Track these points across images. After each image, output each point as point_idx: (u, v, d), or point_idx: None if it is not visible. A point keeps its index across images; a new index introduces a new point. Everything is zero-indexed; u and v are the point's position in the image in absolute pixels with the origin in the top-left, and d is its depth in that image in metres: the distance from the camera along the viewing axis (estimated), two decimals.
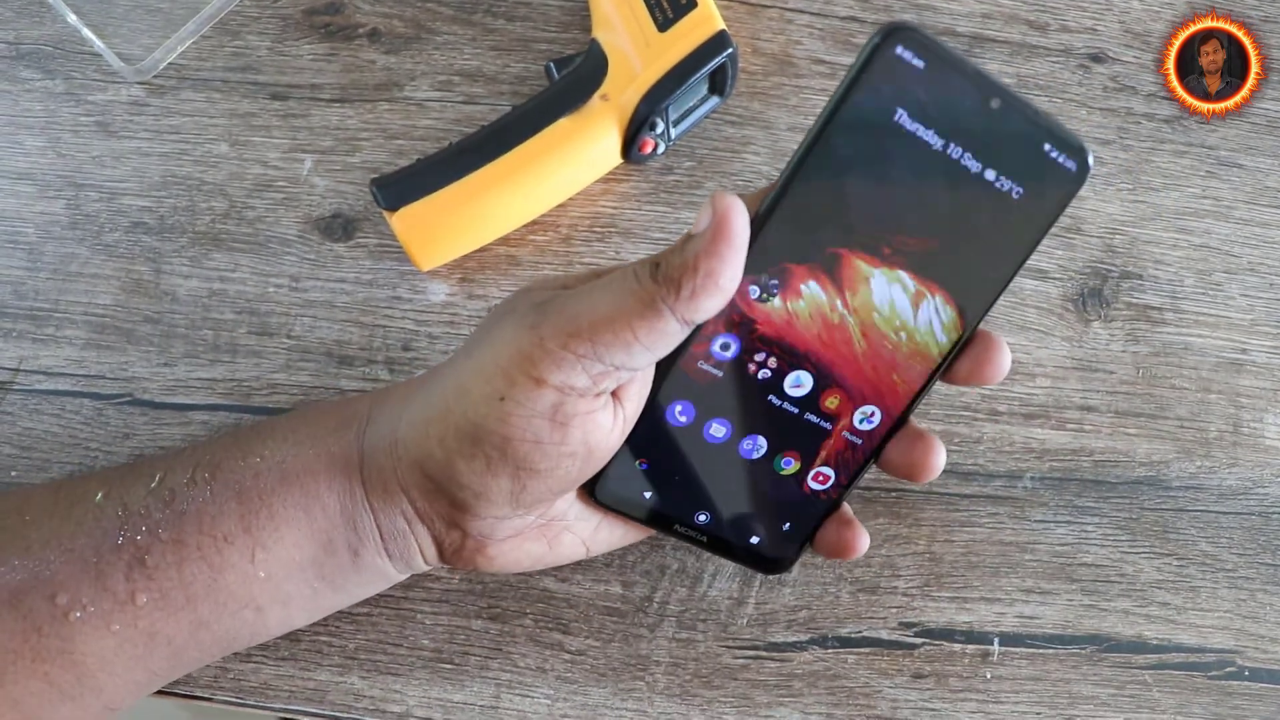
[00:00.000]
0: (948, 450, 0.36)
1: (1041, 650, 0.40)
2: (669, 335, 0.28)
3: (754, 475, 0.35)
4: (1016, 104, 0.29)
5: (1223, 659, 0.41)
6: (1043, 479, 0.42)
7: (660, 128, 0.42)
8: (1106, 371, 0.43)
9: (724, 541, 0.36)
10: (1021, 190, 0.30)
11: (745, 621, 0.40)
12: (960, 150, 0.29)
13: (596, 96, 0.41)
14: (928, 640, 0.40)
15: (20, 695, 0.32)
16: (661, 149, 0.43)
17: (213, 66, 0.45)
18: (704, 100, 0.44)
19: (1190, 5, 0.47)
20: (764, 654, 0.40)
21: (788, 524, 0.36)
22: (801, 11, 0.46)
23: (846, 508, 0.36)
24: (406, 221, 0.40)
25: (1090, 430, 0.42)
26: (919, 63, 0.28)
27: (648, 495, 0.35)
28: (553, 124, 0.41)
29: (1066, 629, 0.41)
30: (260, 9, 0.45)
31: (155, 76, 0.44)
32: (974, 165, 0.29)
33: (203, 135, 0.44)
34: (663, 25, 0.41)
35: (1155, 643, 0.41)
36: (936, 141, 0.29)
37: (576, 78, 0.42)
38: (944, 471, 0.35)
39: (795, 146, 0.44)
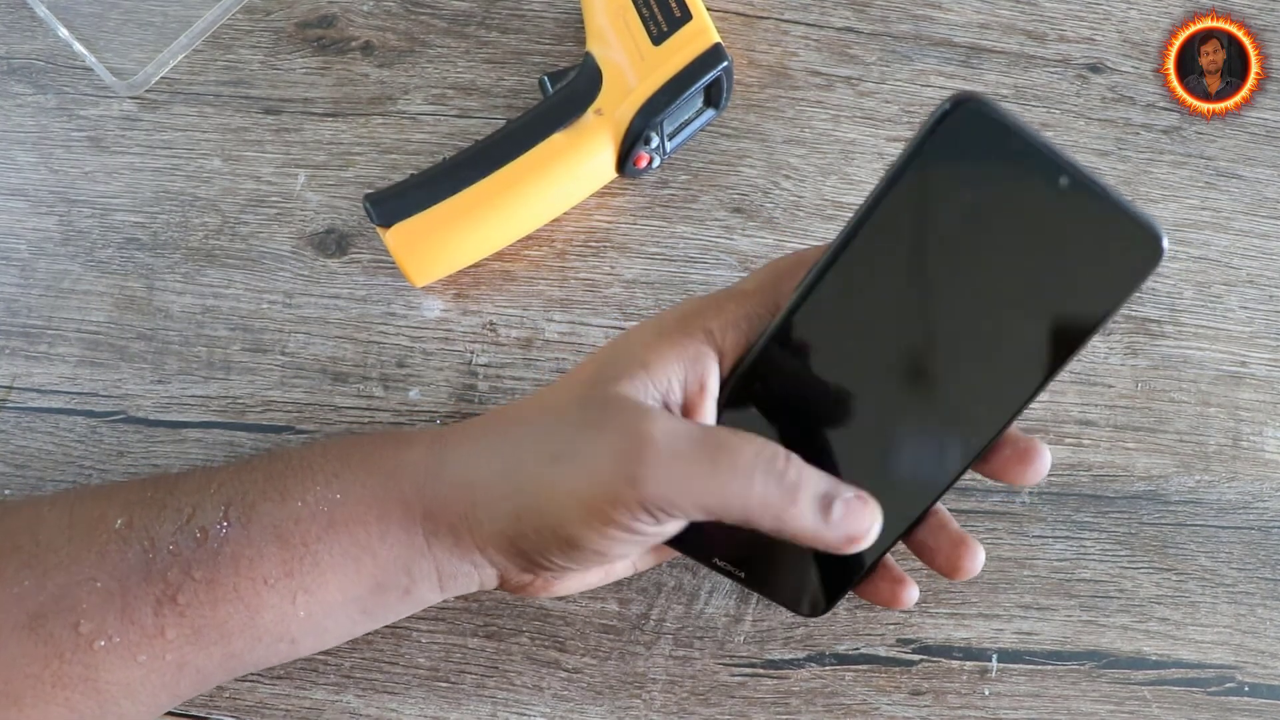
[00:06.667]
0: None
1: (1040, 666, 0.40)
2: None
3: None
4: (1087, 182, 0.27)
5: (1222, 675, 0.41)
6: (1041, 494, 0.42)
7: (655, 142, 0.42)
8: (1105, 385, 0.43)
9: (761, 581, 0.36)
10: (1086, 273, 0.29)
11: (742, 639, 0.40)
12: (1025, 227, 0.28)
13: (591, 111, 0.41)
14: (925, 657, 0.40)
15: None
16: (656, 163, 0.43)
17: (205, 81, 0.44)
18: (699, 113, 0.43)
19: (1188, 12, 0.46)
20: (761, 671, 0.40)
21: (827, 571, 0.35)
22: (797, 23, 0.46)
23: (890, 559, 0.35)
24: (400, 237, 0.40)
25: (1089, 444, 0.42)
26: (986, 134, 0.27)
27: (692, 528, 0.35)
28: (547, 139, 0.41)
29: (1065, 645, 0.40)
30: (253, 23, 0.45)
31: (147, 91, 0.44)
32: (1039, 242, 0.28)
33: (195, 150, 0.44)
34: (657, 38, 0.41)
35: (1154, 659, 0.41)
36: (999, 216, 0.28)
37: (571, 92, 0.41)
38: None
39: (795, 161, 0.44)
